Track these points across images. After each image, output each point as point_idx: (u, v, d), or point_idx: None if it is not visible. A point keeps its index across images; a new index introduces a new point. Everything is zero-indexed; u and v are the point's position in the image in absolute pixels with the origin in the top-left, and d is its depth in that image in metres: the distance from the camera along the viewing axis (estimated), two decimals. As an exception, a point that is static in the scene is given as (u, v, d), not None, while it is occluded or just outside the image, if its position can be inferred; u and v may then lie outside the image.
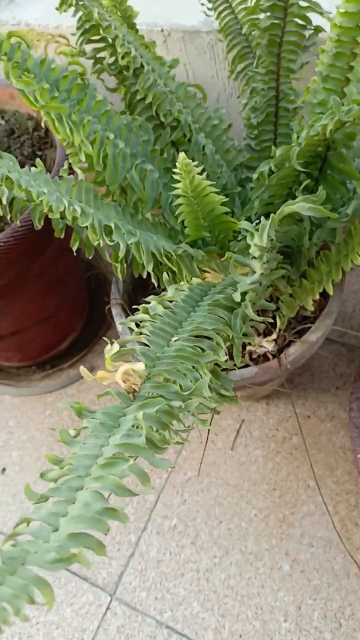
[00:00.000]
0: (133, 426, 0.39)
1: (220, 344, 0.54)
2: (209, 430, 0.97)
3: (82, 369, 0.44)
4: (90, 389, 1.13)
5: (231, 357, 0.82)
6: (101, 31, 0.61)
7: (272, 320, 0.80)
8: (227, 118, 0.78)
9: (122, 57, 0.61)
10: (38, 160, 0.54)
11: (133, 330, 0.52)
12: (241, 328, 0.56)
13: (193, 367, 0.48)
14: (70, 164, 0.60)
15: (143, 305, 0.54)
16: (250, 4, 0.74)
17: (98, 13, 0.59)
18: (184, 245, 0.60)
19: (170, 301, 0.57)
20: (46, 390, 1.11)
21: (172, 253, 0.60)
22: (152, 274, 0.67)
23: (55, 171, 0.76)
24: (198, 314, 0.56)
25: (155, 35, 0.90)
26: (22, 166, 0.55)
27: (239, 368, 0.76)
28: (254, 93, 0.74)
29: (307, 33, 0.70)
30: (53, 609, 0.90)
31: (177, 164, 0.52)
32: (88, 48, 0.69)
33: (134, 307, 0.78)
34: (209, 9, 0.77)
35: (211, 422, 0.99)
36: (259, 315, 0.62)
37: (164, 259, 0.59)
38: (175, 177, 0.53)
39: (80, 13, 0.63)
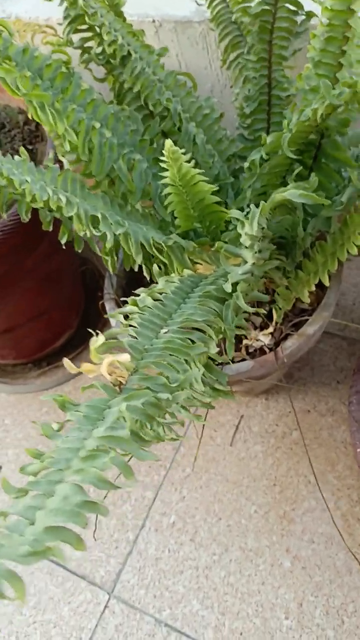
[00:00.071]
0: (118, 419, 0.38)
1: (212, 336, 0.53)
2: (203, 425, 0.96)
3: (66, 361, 0.43)
4: (81, 386, 1.12)
5: (227, 352, 0.80)
6: (87, 19, 0.60)
7: (267, 312, 0.78)
8: (221, 109, 0.76)
9: (109, 45, 0.60)
10: (22, 149, 0.53)
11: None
12: (233, 320, 0.55)
13: (182, 359, 0.47)
14: (56, 153, 0.59)
15: (132, 297, 0.53)
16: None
17: (83, 0, 0.58)
18: (174, 236, 0.59)
19: (160, 293, 0.55)
20: (42, 388, 1.10)
21: (163, 244, 0.59)
22: (143, 267, 0.66)
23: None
24: (188, 306, 0.55)
25: (147, 26, 0.88)
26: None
27: (236, 362, 0.75)
28: (246, 82, 0.73)
29: (299, 19, 0.69)
30: (50, 607, 0.89)
31: (164, 151, 0.50)
32: (75, 38, 0.68)
33: (122, 299, 0.77)
34: (200, -3, 0.76)
35: (206, 417, 0.98)
36: (254, 307, 0.61)
37: (154, 250, 0.58)
38: (163, 165, 0.52)
39: (65, 0, 0.62)
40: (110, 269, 0.67)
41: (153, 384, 0.43)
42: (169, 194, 0.56)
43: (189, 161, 0.52)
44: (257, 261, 0.57)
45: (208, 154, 0.68)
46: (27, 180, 0.48)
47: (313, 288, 0.70)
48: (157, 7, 0.87)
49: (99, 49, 0.67)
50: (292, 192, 0.50)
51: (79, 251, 0.65)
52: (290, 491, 0.91)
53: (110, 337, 0.47)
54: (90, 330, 0.47)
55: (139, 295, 0.54)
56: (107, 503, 0.96)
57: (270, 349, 0.77)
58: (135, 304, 0.53)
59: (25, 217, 0.61)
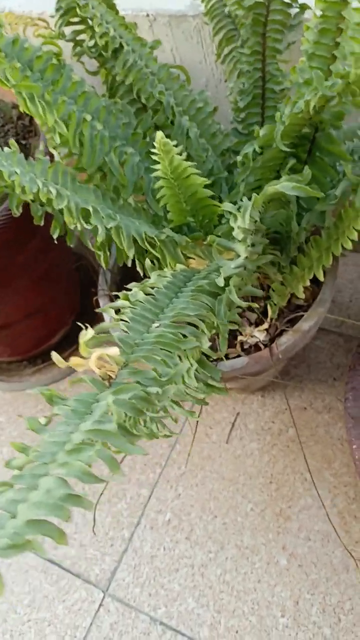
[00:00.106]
0: (106, 413, 0.38)
1: (204, 331, 0.52)
2: (197, 422, 0.96)
3: (54, 354, 0.42)
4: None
5: (220, 348, 0.80)
6: (78, 11, 0.59)
7: (262, 309, 0.78)
8: (216, 104, 0.76)
9: (100, 37, 0.59)
10: (12, 141, 0.52)
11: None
12: (226, 314, 0.55)
13: (173, 353, 0.46)
14: (47, 146, 0.58)
15: (124, 292, 0.53)
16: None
17: (75, -8, 0.58)
18: (167, 230, 0.58)
19: (152, 287, 0.55)
20: (38, 385, 1.10)
21: (155, 239, 0.59)
22: (137, 263, 0.65)
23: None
24: (181, 300, 0.54)
25: (141, 20, 0.88)
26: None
27: (231, 359, 0.74)
28: (240, 76, 0.73)
29: (292, 11, 0.68)
30: (45, 606, 0.89)
31: (155, 143, 0.50)
32: (68, 31, 0.68)
33: (113, 293, 0.76)
34: (193, -10, 0.76)
35: (200, 413, 0.97)
36: (248, 302, 0.60)
37: (146, 244, 0.58)
38: (154, 157, 0.51)
39: (57, -7, 0.61)
40: (103, 264, 0.67)
41: (143, 378, 0.42)
42: (161, 187, 0.56)
43: (180, 154, 0.51)
44: (250, 255, 0.56)
45: (202, 148, 0.67)
46: (16, 172, 0.48)
47: (308, 283, 0.70)
48: (151, 1, 0.87)
49: (91, 42, 0.66)
50: (285, 185, 0.50)
51: (71, 245, 0.65)
52: (286, 489, 0.91)
53: (101, 332, 0.46)
54: (80, 324, 0.46)
55: (131, 290, 0.53)
56: (102, 500, 0.95)
57: (266, 345, 0.76)
58: (126, 298, 0.52)
59: (17, 212, 0.61)
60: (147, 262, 0.57)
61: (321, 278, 0.67)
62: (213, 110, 0.72)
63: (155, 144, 0.50)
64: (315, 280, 0.77)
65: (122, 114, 0.62)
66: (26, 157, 0.56)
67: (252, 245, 0.57)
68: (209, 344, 0.54)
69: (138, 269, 0.66)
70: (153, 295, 0.54)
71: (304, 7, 0.68)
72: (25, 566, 0.93)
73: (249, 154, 0.59)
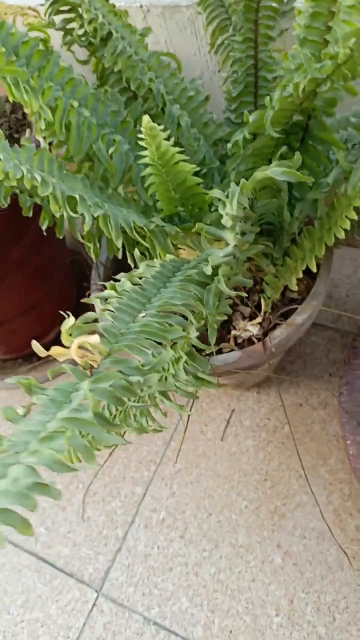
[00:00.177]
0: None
1: (192, 321, 0.51)
2: (188, 416, 0.94)
3: (34, 343, 0.41)
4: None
5: (217, 343, 0.79)
6: (66, -3, 0.58)
7: (256, 302, 0.77)
8: (211, 96, 0.74)
9: (89, 24, 0.58)
10: (-6, 128, 0.51)
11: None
12: (214, 304, 0.53)
13: (158, 342, 0.45)
14: (33, 134, 0.57)
15: (111, 282, 0.52)
16: (228, -29, 0.71)
17: (62, -22, 0.56)
18: (156, 220, 0.57)
19: (140, 277, 0.54)
20: (32, 383, 1.08)
21: (144, 228, 0.57)
22: (128, 255, 0.64)
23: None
24: (168, 290, 0.53)
25: (134, 11, 0.87)
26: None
27: (224, 353, 0.73)
28: (233, 64, 0.71)
29: (285, -2, 0.67)
30: (38, 606, 0.87)
31: (141, 128, 0.49)
32: (58, 20, 0.67)
33: (100, 283, 0.75)
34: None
35: (192, 407, 0.96)
36: (240, 293, 0.59)
37: (135, 234, 0.56)
38: (141, 143, 0.50)
39: (45, -21, 0.60)
40: (93, 256, 0.66)
41: (125, 367, 0.41)
42: (150, 174, 0.54)
43: (168, 139, 0.50)
44: (240, 244, 0.55)
45: (193, 138, 0.66)
46: (0, 158, 0.47)
47: (300, 275, 0.69)
48: (144, -9, 0.86)
49: (81, 30, 0.65)
50: (274, 170, 0.48)
51: (61, 237, 0.64)
52: (281, 486, 0.89)
53: (86, 322, 0.45)
54: (62, 312, 0.45)
55: (119, 280, 0.52)
56: (96, 499, 0.94)
57: (259, 340, 0.75)
58: (113, 288, 0.51)
59: (4, 202, 0.60)
60: (137, 252, 0.56)
61: (314, 269, 0.66)
62: (205, 99, 0.70)
63: (142, 128, 0.49)
64: (309, 274, 0.75)
65: (112, 102, 0.61)
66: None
67: (242, 233, 0.55)
68: (196, 333, 0.52)
69: (129, 262, 0.65)
70: (140, 285, 0.52)
71: (296, -6, 0.66)
72: (19, 565, 0.92)
73: (239, 141, 0.58)
